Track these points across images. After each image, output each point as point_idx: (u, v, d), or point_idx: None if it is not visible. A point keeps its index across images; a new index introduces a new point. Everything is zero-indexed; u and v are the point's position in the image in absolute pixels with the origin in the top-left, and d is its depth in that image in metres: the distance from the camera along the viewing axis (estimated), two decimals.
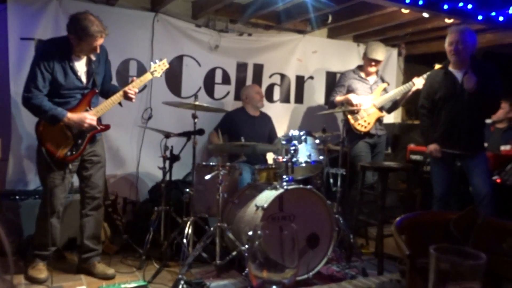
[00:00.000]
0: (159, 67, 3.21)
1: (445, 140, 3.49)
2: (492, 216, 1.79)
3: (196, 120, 3.29)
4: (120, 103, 3.10)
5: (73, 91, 2.94)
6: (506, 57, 5.37)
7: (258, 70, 4.90)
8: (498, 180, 3.81)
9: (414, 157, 4.48)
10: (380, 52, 4.31)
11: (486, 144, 3.93)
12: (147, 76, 3.15)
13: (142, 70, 4.26)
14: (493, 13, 3.73)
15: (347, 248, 3.56)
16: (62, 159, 2.91)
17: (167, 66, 3.27)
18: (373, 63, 4.34)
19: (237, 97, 4.75)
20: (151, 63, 3.22)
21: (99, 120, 3.01)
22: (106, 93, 3.11)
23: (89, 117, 2.90)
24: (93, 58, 3.00)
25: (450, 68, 3.49)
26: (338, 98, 4.33)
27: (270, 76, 4.99)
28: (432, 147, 3.55)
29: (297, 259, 0.73)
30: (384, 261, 3.28)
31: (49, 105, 2.83)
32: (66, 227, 3.41)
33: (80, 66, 2.97)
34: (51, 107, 2.82)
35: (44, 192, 3.01)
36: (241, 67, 4.80)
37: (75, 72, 2.92)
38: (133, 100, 3.09)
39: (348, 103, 4.19)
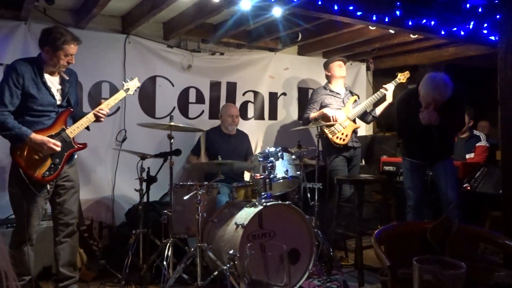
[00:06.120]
0: (131, 85, 3.27)
1: (416, 154, 3.62)
2: (460, 222, 1.85)
3: (172, 141, 3.29)
4: (87, 127, 3.08)
5: (47, 109, 2.87)
6: (468, 69, 5.61)
7: (232, 88, 4.95)
8: (468, 187, 3.94)
9: (387, 168, 4.59)
10: (337, 57, 4.55)
11: None
12: (121, 94, 3.19)
13: (114, 91, 4.16)
14: (455, 28, 3.91)
15: (327, 262, 3.59)
16: (40, 180, 2.82)
17: (139, 84, 3.35)
18: (340, 66, 4.49)
19: (211, 115, 4.77)
20: (123, 82, 3.29)
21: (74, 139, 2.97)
22: (73, 117, 3.07)
23: (52, 141, 2.81)
24: (66, 77, 2.98)
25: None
26: (313, 114, 4.41)
27: (244, 94, 5.04)
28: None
29: (287, 277, 0.75)
30: (364, 272, 3.33)
31: (13, 123, 2.74)
32: (41, 256, 3.31)
33: (53, 83, 2.93)
34: (14, 126, 2.73)
35: (17, 220, 2.91)
36: (215, 86, 4.83)
37: (48, 88, 2.87)
38: (102, 120, 3.09)
39: (325, 116, 4.27)
